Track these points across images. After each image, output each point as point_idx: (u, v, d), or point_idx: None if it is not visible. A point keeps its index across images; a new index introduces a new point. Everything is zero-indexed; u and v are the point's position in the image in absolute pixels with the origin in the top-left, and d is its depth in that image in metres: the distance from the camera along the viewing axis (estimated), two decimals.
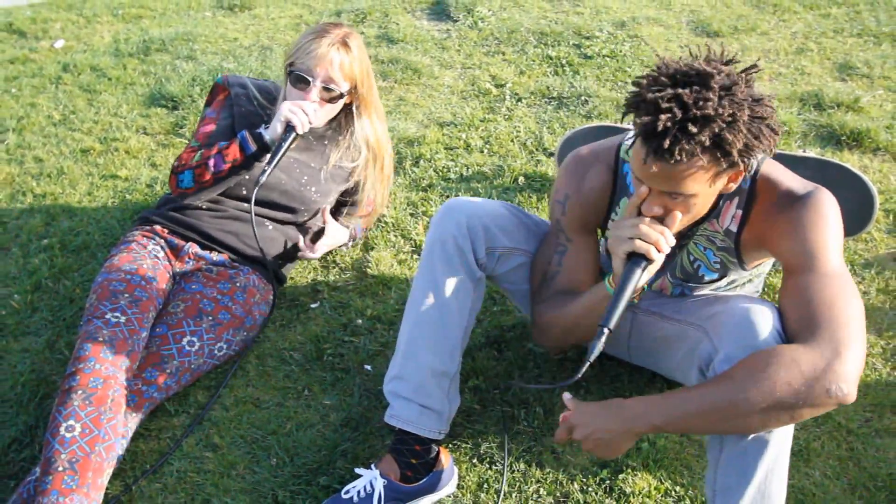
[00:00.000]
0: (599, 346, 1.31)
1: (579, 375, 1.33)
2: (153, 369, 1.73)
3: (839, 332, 1.22)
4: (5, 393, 1.87)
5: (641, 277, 1.33)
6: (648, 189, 1.30)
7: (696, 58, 1.26)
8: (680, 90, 1.19)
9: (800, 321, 1.27)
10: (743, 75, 1.24)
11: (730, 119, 1.19)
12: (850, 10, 3.72)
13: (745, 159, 1.24)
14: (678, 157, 1.19)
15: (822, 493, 1.59)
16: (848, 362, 1.20)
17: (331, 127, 2.11)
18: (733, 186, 1.34)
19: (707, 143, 1.19)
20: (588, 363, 1.32)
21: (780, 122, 1.27)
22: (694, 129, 1.17)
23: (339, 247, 2.24)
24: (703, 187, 1.27)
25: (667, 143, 1.19)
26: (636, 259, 1.31)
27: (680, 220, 1.32)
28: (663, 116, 1.18)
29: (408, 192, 2.56)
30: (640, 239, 1.30)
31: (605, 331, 1.31)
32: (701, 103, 1.17)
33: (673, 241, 1.32)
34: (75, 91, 3.32)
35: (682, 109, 1.18)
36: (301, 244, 2.12)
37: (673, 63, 1.24)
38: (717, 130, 1.18)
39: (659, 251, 1.30)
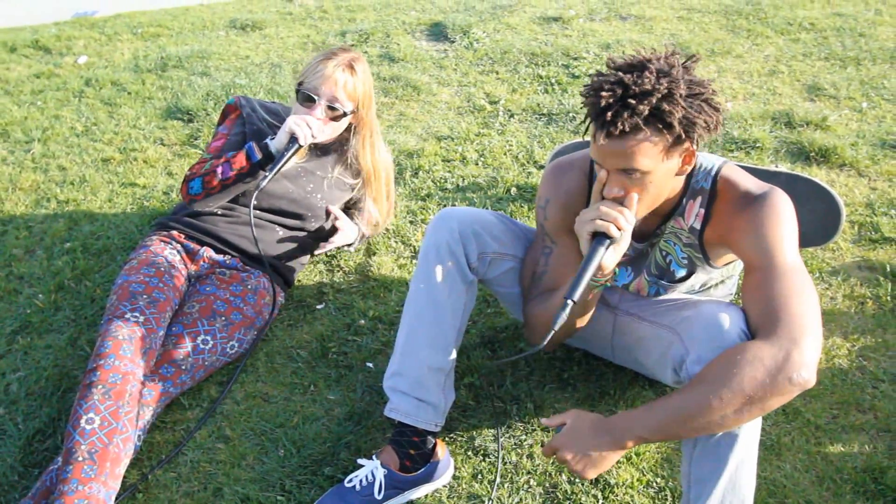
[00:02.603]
0: (563, 315, 1.32)
1: (544, 343, 1.35)
2: (169, 366, 1.72)
3: (796, 325, 1.23)
4: (30, 387, 1.86)
5: (606, 255, 1.35)
6: (607, 173, 1.32)
7: (639, 53, 1.31)
8: (622, 74, 1.25)
9: (760, 316, 1.28)
10: (678, 58, 1.29)
11: (666, 92, 1.23)
12: (818, 35, 3.75)
13: (690, 133, 1.27)
14: (622, 127, 1.23)
15: (792, 485, 1.59)
16: (805, 351, 1.21)
17: (335, 142, 2.12)
18: (688, 168, 1.36)
19: (646, 113, 1.23)
20: (553, 331, 1.33)
21: (721, 103, 1.31)
22: (633, 102, 1.22)
23: (346, 246, 2.23)
24: (654, 163, 1.29)
25: (609, 116, 1.23)
26: (599, 238, 1.33)
27: (638, 201, 1.34)
28: (605, 94, 1.23)
29: (407, 201, 2.56)
30: (600, 219, 1.32)
31: (569, 302, 1.32)
32: (639, 81, 1.23)
33: (632, 219, 1.33)
34: (97, 104, 3.32)
35: (623, 89, 1.24)
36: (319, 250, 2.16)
37: (619, 58, 1.30)
38: (654, 102, 1.22)
39: (619, 229, 1.32)
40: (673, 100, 1.23)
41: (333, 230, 2.14)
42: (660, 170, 1.30)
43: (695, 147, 1.31)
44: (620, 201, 1.33)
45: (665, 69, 1.25)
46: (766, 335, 1.24)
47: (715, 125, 1.29)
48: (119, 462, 1.50)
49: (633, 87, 1.22)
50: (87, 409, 1.51)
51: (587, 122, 1.31)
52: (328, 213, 2.13)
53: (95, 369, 1.56)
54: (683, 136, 1.27)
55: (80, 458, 1.46)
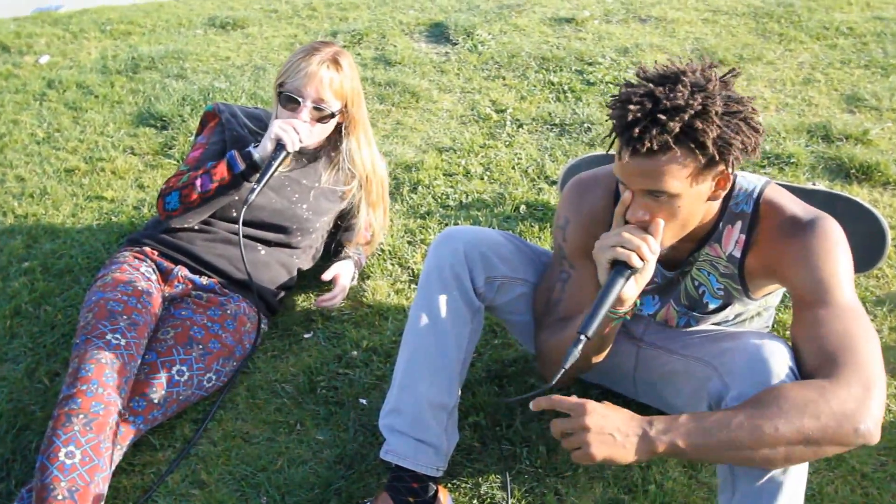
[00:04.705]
0: (576, 352, 1.32)
1: (554, 382, 1.34)
2: (141, 399, 1.72)
3: (865, 370, 1.23)
4: None
5: (626, 287, 1.35)
6: (631, 194, 1.33)
7: (673, 63, 1.32)
8: (653, 86, 1.26)
9: (819, 357, 1.28)
10: (716, 72, 1.29)
11: (700, 108, 1.24)
12: (856, 41, 3.81)
13: (725, 155, 1.28)
14: (649, 145, 1.24)
15: None
16: (876, 402, 1.21)
17: (324, 147, 2.14)
18: (721, 193, 1.37)
19: (677, 130, 1.23)
20: (563, 369, 1.33)
21: (762, 124, 1.32)
22: (663, 118, 1.23)
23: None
24: (684, 186, 1.29)
25: (637, 132, 1.24)
26: (619, 267, 1.34)
27: (665, 228, 1.34)
28: (633, 107, 1.24)
29: (405, 219, 2.58)
30: (621, 246, 1.32)
31: (582, 338, 1.32)
32: (672, 95, 1.24)
33: (657, 249, 1.34)
34: (60, 108, 3.34)
35: (653, 102, 1.25)
36: (317, 303, 2.16)
37: (651, 68, 1.31)
38: (686, 119, 1.23)
39: (641, 259, 1.33)
40: (707, 117, 1.24)
41: (325, 252, 2.16)
42: (690, 193, 1.31)
43: (730, 170, 1.33)
44: (645, 227, 1.34)
45: (701, 83, 1.26)
46: (831, 376, 1.24)
47: (753, 147, 1.30)
48: None
49: (665, 102, 1.24)
50: (66, 440, 1.50)
51: (612, 137, 1.33)
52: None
53: (75, 395, 1.56)
54: (717, 157, 1.28)
55: (60, 497, 1.45)
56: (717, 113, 1.25)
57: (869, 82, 3.41)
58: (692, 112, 1.24)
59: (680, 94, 1.24)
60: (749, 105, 1.30)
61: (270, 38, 4.08)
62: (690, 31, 3.96)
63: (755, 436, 1.21)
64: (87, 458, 1.51)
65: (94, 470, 1.50)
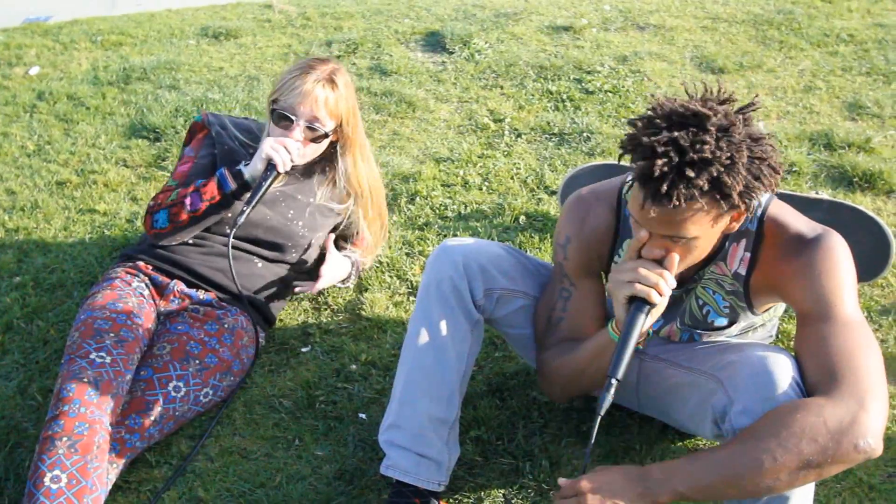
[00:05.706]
0: (609, 398, 1.34)
1: (593, 439, 1.35)
2: (137, 416, 1.73)
3: (862, 384, 1.24)
4: None
5: (645, 322, 1.37)
6: (648, 233, 1.34)
7: (692, 97, 1.31)
8: (676, 133, 1.24)
9: (819, 372, 1.30)
10: (740, 115, 1.29)
11: (728, 162, 1.23)
12: (857, 48, 3.85)
13: (747, 200, 1.29)
14: (676, 202, 1.24)
15: None
16: (874, 415, 1.22)
17: (318, 164, 2.16)
18: (736, 226, 1.39)
19: (705, 186, 1.23)
20: (599, 417, 1.34)
21: (782, 161, 1.33)
22: (691, 174, 1.22)
23: (342, 282, 2.26)
24: (704, 229, 1.31)
25: (664, 188, 1.23)
26: (638, 304, 1.35)
27: (680, 262, 1.36)
28: (659, 161, 1.23)
29: (403, 230, 2.60)
30: (639, 282, 1.34)
31: (614, 382, 1.34)
32: (698, 146, 1.22)
33: (673, 283, 1.36)
34: (51, 120, 3.36)
35: (679, 153, 1.23)
36: (299, 287, 2.15)
37: (668, 104, 1.29)
38: (714, 174, 1.23)
39: (659, 294, 1.35)
40: (735, 170, 1.23)
41: (319, 263, 2.18)
42: (708, 234, 1.33)
43: (748, 211, 1.33)
44: (660, 260, 1.36)
45: (724, 125, 1.25)
46: (828, 393, 1.25)
47: (774, 187, 1.31)
48: None
49: (691, 154, 1.22)
50: (51, 465, 1.51)
51: (630, 182, 1.34)
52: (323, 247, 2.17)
53: (58, 417, 1.57)
54: (739, 204, 1.28)
55: None
56: (743, 164, 1.24)
57: (871, 90, 3.45)
58: (720, 167, 1.23)
59: (707, 146, 1.22)
60: (769, 144, 1.29)
61: (264, 48, 4.11)
62: (690, 39, 4.00)
63: (755, 469, 1.23)
64: (74, 481, 1.51)
65: (81, 492, 1.51)
